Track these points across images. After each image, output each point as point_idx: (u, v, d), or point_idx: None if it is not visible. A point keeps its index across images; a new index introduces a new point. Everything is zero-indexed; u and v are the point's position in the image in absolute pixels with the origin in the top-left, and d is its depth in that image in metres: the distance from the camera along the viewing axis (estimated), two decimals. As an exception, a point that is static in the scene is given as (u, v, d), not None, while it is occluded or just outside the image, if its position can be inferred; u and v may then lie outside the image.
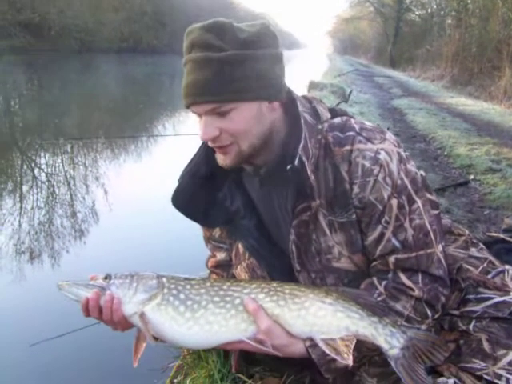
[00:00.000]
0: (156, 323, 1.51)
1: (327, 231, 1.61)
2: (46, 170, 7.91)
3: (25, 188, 6.90)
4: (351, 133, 1.58)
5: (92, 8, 46.79)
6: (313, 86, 14.32)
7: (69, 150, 9.11)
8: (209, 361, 1.96)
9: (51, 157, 8.80)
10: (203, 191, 1.70)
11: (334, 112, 1.72)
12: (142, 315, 1.50)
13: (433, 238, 1.60)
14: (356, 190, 1.54)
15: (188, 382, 1.96)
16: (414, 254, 1.57)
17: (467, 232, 1.91)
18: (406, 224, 1.56)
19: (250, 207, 1.74)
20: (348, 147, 1.55)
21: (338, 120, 1.65)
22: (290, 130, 1.61)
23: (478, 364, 1.59)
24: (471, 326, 1.67)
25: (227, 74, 1.42)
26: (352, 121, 1.65)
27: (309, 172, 1.53)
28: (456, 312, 1.71)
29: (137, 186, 6.84)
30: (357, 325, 1.50)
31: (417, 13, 42.94)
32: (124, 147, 9.53)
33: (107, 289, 1.52)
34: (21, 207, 5.99)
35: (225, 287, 1.56)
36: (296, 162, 1.51)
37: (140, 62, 38.77)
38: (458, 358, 1.64)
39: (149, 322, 1.50)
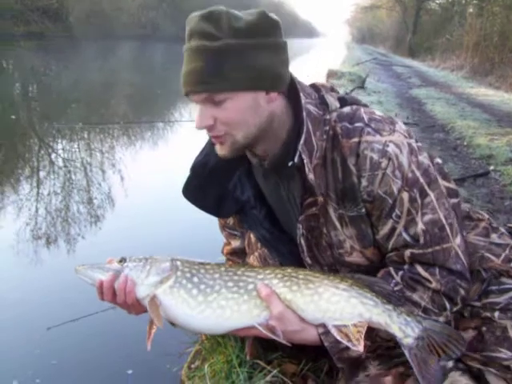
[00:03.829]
0: (168, 306, 1.51)
1: (338, 225, 1.59)
2: (62, 156, 7.93)
3: (42, 173, 6.93)
4: (360, 124, 1.54)
5: (110, -6, 46.85)
6: (331, 74, 14.23)
7: (85, 135, 9.13)
8: (227, 346, 1.96)
9: (68, 142, 8.83)
10: (213, 182, 1.70)
11: (343, 101, 1.66)
12: (154, 298, 1.50)
13: (449, 232, 1.55)
14: (364, 183, 1.51)
15: (206, 367, 1.95)
16: (429, 250, 1.54)
17: (487, 216, 1.85)
18: (418, 218, 1.52)
19: (260, 198, 1.73)
20: (356, 139, 1.51)
21: (347, 109, 1.60)
22: (293, 123, 1.57)
23: (504, 353, 1.56)
24: (496, 314, 1.63)
25: (220, 63, 1.40)
26: (362, 110, 1.59)
27: (307, 170, 1.49)
28: (477, 303, 1.67)
29: (153, 172, 6.84)
30: (370, 312, 1.48)
31: (437, 1, 42.34)
32: (140, 133, 9.51)
33: (121, 271, 1.53)
34: (38, 192, 6.02)
35: (239, 272, 1.55)
36: (296, 159, 1.50)
37: (157, 48, 38.75)
38: (481, 346, 1.60)
39: (161, 305, 1.50)
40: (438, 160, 1.72)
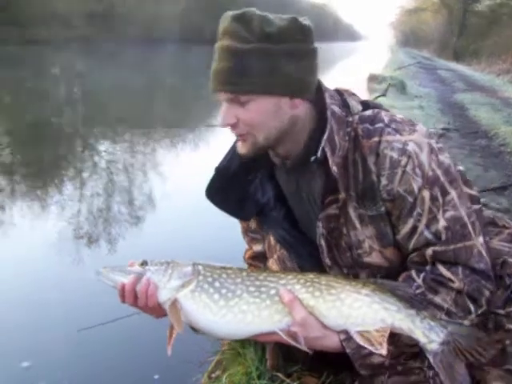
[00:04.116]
0: (189, 310, 1.50)
1: (357, 225, 1.57)
2: (105, 158, 8.09)
3: (85, 174, 7.08)
4: (380, 124, 1.54)
5: (154, -1, 47.73)
6: (372, 78, 14.08)
7: (128, 138, 9.30)
8: (247, 358, 1.95)
9: (111, 144, 9.02)
10: (235, 185, 1.72)
11: (366, 105, 1.67)
12: (175, 302, 1.49)
13: (471, 230, 1.51)
14: (384, 181, 1.50)
15: (225, 377, 1.95)
16: (451, 247, 1.49)
17: None
18: (440, 215, 1.49)
19: (280, 199, 1.73)
20: (376, 139, 1.52)
21: (368, 112, 1.61)
22: (317, 124, 1.58)
23: None
24: None
25: (247, 66, 1.43)
26: (382, 113, 1.60)
27: (330, 162, 1.50)
28: (501, 311, 1.60)
29: (193, 175, 6.87)
30: (393, 317, 1.44)
31: (485, 3, 41.32)
32: (182, 137, 9.60)
33: (143, 274, 1.52)
34: (80, 193, 6.16)
35: (261, 277, 1.54)
36: (319, 154, 1.51)
37: (201, 51, 39.17)
38: (502, 360, 1.55)
39: (182, 309, 1.49)
40: (460, 167, 1.69)
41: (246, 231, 1.92)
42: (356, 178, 1.54)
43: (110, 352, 3.06)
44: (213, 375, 2.16)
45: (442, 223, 1.49)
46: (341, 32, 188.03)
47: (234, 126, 1.52)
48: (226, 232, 4.54)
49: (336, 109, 1.57)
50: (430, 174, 1.49)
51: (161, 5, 48.33)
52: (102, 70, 23.56)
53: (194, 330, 1.58)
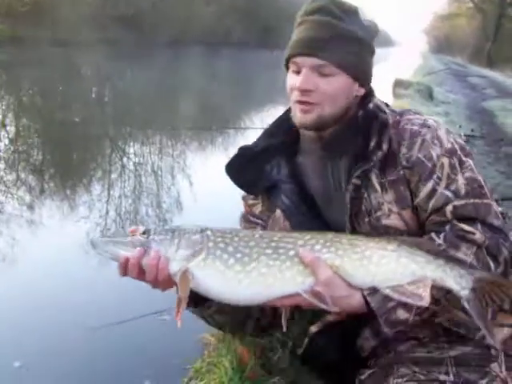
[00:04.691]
0: (202, 279, 1.44)
1: (378, 189, 1.63)
2: (133, 160, 8.16)
3: (113, 176, 7.12)
4: (399, 110, 1.74)
5: (184, 1, 48.04)
6: (398, 84, 13.94)
7: (157, 140, 9.34)
8: (220, 367, 1.93)
9: (139, 146, 9.09)
10: (254, 163, 1.78)
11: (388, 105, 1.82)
12: (186, 272, 1.43)
13: (487, 192, 1.58)
14: (404, 150, 1.60)
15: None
16: (471, 201, 1.54)
17: None
18: (458, 177, 1.57)
19: (294, 176, 1.77)
20: (398, 117, 1.67)
21: (390, 107, 1.77)
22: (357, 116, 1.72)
23: None
24: None
25: (344, 43, 1.59)
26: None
27: (384, 118, 1.64)
28: None
29: (222, 179, 6.87)
30: (424, 268, 1.45)
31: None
32: (211, 139, 9.58)
33: (148, 245, 1.44)
34: (108, 194, 6.21)
35: (275, 238, 1.49)
36: (371, 106, 1.67)
37: (229, 55, 39.36)
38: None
39: (193, 279, 1.43)
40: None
41: (246, 215, 1.90)
42: (379, 147, 1.62)
43: (117, 352, 3.10)
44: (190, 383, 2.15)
45: (461, 181, 1.56)
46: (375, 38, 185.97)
47: (308, 93, 1.59)
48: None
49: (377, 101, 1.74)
50: (449, 146, 1.60)
51: (190, 8, 48.68)
52: (132, 73, 23.83)
53: (204, 300, 1.54)
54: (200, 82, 20.92)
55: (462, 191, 1.55)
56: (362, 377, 1.65)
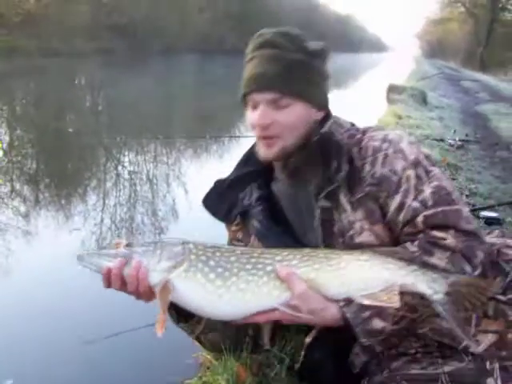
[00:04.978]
0: (183, 291, 1.46)
1: (348, 208, 1.64)
2: (128, 168, 8.13)
3: (108, 184, 7.11)
4: (362, 128, 1.74)
5: (177, 9, 48.17)
6: (392, 89, 13.99)
7: (151, 148, 9.31)
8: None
9: (134, 155, 9.06)
10: (229, 194, 1.84)
11: (353, 124, 1.82)
12: (167, 284, 1.44)
13: (456, 198, 1.59)
14: (368, 167, 1.62)
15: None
16: (440, 209, 1.55)
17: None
18: (426, 186, 1.58)
19: (261, 199, 1.80)
20: (359, 136, 1.69)
21: (355, 126, 1.79)
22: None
23: None
24: None
25: (292, 72, 1.61)
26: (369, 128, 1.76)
27: (339, 139, 1.65)
28: (502, 297, 1.60)
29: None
30: (396, 275, 1.46)
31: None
32: (205, 147, 9.52)
33: (130, 257, 1.46)
34: (104, 203, 6.17)
35: (255, 254, 1.52)
36: (326, 129, 1.67)
37: (223, 62, 39.43)
38: (500, 354, 1.53)
39: (174, 291, 1.45)
40: None
41: (231, 241, 1.94)
42: (339, 168, 1.63)
43: (113, 365, 3.06)
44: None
45: (428, 191, 1.57)
46: (366, 43, 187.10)
47: (266, 128, 1.63)
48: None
49: (337, 118, 1.77)
50: (413, 157, 1.61)
51: (183, 16, 48.81)
52: (125, 82, 23.81)
53: (184, 315, 1.57)
54: (194, 90, 20.93)
55: (430, 201, 1.56)
56: None
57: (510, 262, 1.65)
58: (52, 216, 5.71)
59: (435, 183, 1.58)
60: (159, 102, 16.62)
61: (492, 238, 1.78)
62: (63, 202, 6.39)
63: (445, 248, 1.51)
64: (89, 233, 5.09)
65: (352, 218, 1.63)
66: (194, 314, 1.60)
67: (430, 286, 1.44)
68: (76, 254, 1.50)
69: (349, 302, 1.48)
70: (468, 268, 1.50)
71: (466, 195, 5.10)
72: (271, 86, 1.60)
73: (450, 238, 1.51)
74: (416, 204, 1.56)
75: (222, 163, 8.67)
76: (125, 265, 1.46)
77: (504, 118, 11.63)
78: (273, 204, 1.80)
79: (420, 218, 1.55)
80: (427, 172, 1.60)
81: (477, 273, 1.51)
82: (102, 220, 5.53)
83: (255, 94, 1.63)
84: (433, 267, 1.49)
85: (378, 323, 1.48)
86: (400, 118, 9.55)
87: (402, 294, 1.46)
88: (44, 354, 3.12)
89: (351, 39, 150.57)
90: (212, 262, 1.48)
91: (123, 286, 1.48)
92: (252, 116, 1.67)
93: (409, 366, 1.58)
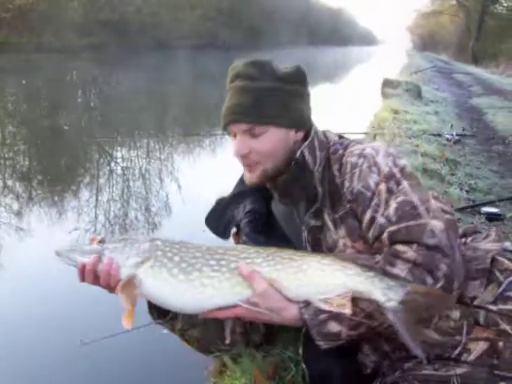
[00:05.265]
0: (149, 286, 1.52)
1: (331, 227, 1.69)
2: (121, 164, 8.15)
3: (101, 181, 7.13)
4: (347, 142, 1.78)
5: (169, 5, 48.06)
6: (387, 83, 13.97)
7: (144, 145, 9.31)
8: None
9: (127, 151, 9.05)
10: (227, 212, 1.92)
11: (342, 138, 1.87)
12: (132, 279, 1.51)
13: (422, 211, 1.57)
14: (347, 184, 1.66)
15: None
16: (403, 225, 1.55)
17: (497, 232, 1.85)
18: (391, 202, 1.59)
19: (248, 212, 1.88)
20: (341, 151, 1.73)
21: (342, 140, 1.83)
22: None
23: None
24: None
25: (262, 100, 1.67)
26: (354, 141, 1.79)
27: (311, 165, 1.71)
28: (493, 307, 1.59)
29: (210, 182, 6.86)
30: (353, 280, 1.48)
31: (504, 4, 40.90)
32: (199, 144, 9.53)
33: (102, 253, 1.54)
34: (97, 200, 6.19)
35: (221, 251, 1.56)
36: (298, 155, 1.72)
37: (215, 58, 39.38)
38: (492, 362, 1.53)
39: (141, 285, 1.51)
40: (435, 193, 1.83)
41: None
42: (328, 189, 1.70)
43: (107, 367, 3.04)
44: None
45: (392, 207, 1.58)
46: (358, 37, 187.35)
47: (245, 156, 1.71)
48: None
49: (319, 133, 1.81)
50: (386, 170, 1.63)
51: (175, 12, 48.68)
52: (117, 78, 23.78)
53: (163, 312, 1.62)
54: (186, 85, 20.89)
55: (394, 217, 1.57)
56: None
57: (504, 272, 1.64)
58: (45, 212, 5.72)
59: (401, 198, 1.59)
60: (151, 97, 16.63)
61: (488, 242, 1.76)
62: (56, 198, 6.39)
63: (405, 260, 1.52)
64: (82, 230, 5.08)
65: (335, 236, 1.68)
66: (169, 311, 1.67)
67: (385, 293, 1.45)
68: (54, 249, 1.57)
69: (308, 303, 1.52)
70: (429, 280, 1.50)
71: (466, 191, 5.09)
72: (244, 117, 1.67)
73: (410, 252, 1.51)
74: (382, 220, 1.58)
75: (215, 158, 8.66)
76: (98, 261, 1.53)
77: (498, 111, 11.64)
78: (273, 221, 1.88)
79: (385, 235, 1.58)
80: (398, 184, 1.62)
81: (439, 285, 1.50)
82: (96, 216, 5.55)
83: (232, 125, 1.71)
84: (392, 276, 1.51)
85: (334, 327, 1.51)
86: (396, 112, 9.53)
87: (358, 300, 1.49)
88: (40, 355, 3.10)
89: (342, 33, 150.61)
90: (177, 258, 1.53)
91: (96, 280, 1.56)
92: (232, 145, 1.74)
93: (421, 367, 1.58)
